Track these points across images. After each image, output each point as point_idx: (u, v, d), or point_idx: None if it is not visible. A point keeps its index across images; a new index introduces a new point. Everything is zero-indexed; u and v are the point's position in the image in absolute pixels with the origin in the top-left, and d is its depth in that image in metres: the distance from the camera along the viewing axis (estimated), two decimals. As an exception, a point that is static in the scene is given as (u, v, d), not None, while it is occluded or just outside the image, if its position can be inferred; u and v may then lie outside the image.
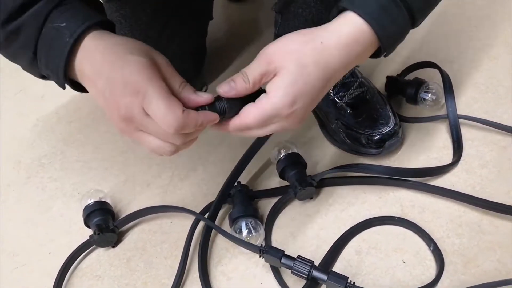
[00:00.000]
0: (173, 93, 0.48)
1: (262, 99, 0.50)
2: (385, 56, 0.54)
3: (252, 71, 0.50)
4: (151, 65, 0.47)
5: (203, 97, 0.49)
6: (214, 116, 0.49)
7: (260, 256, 0.61)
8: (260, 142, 0.71)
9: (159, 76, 0.47)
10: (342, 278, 0.58)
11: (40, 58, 0.49)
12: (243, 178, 0.73)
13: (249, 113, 0.50)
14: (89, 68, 0.48)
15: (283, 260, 0.60)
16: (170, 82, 0.49)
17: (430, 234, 0.65)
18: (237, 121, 0.51)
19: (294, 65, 0.49)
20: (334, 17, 0.52)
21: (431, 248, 0.64)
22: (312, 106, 0.52)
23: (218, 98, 0.50)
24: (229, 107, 0.50)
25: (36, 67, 0.51)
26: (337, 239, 0.66)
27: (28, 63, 0.51)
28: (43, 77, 0.53)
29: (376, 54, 0.54)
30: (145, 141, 0.50)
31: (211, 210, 0.69)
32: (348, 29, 0.50)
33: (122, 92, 0.46)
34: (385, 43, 0.51)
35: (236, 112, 0.51)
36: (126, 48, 0.48)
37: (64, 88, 0.52)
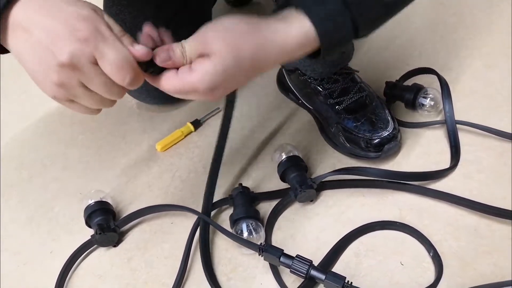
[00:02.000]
0: None
1: (185, 73, 0.49)
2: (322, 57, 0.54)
3: (191, 49, 0.49)
4: (96, 13, 0.47)
5: (140, 52, 0.47)
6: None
7: (259, 255, 0.62)
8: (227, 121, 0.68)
9: (105, 23, 0.47)
10: (340, 278, 0.59)
11: None
12: (244, 180, 0.74)
13: (169, 80, 0.49)
14: (24, 17, 0.45)
15: (282, 259, 0.61)
16: (112, 26, 0.48)
17: (428, 237, 0.66)
18: (162, 83, 0.50)
19: (231, 57, 0.48)
20: (280, 7, 0.51)
21: (431, 254, 0.65)
22: (232, 90, 0.53)
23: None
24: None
25: None
26: (338, 242, 0.67)
27: None
28: None
29: (312, 55, 0.54)
30: (82, 96, 0.48)
31: (203, 205, 0.70)
32: (296, 32, 0.49)
33: (68, 40, 0.44)
34: (325, 49, 0.51)
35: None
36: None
37: None
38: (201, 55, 0.49)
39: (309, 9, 0.49)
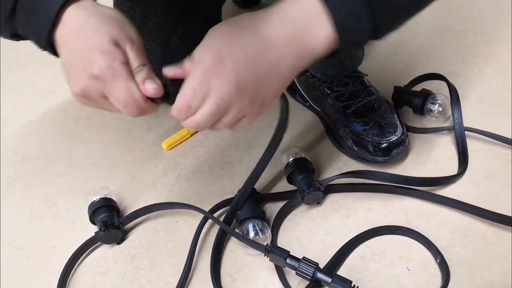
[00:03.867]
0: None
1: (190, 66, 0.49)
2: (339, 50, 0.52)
3: (197, 52, 0.50)
4: (116, 48, 0.48)
5: (149, 90, 0.49)
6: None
7: (265, 255, 0.61)
8: (274, 145, 0.68)
9: (122, 58, 0.48)
10: (346, 282, 0.59)
11: (20, 14, 0.49)
12: (251, 181, 0.73)
13: (183, 86, 0.49)
14: (60, 36, 0.49)
15: (288, 261, 0.60)
16: (131, 60, 0.49)
17: (435, 243, 0.66)
18: (176, 100, 0.50)
19: (228, 26, 0.49)
20: None
21: (438, 261, 0.64)
22: (249, 69, 0.48)
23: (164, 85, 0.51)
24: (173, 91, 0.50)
25: (11, 24, 0.50)
26: (344, 245, 0.66)
27: (4, 19, 0.50)
28: (14, 36, 0.52)
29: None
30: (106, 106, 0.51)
31: (227, 215, 0.69)
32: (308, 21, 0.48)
33: (81, 74, 0.48)
34: (336, 21, 0.48)
35: None
36: (95, 21, 0.48)
37: (44, 49, 0.51)
38: None
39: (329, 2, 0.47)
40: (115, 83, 0.47)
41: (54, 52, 0.51)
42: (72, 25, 0.48)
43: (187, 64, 0.50)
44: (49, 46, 0.50)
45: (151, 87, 0.49)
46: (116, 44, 0.48)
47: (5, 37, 0.53)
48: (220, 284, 0.64)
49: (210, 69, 0.47)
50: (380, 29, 0.50)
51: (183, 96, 0.49)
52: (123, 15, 0.51)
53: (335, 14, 0.47)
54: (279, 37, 0.49)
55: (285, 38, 0.49)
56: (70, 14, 0.48)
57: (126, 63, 0.48)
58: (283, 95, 0.61)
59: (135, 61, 0.49)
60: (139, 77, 0.49)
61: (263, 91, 0.50)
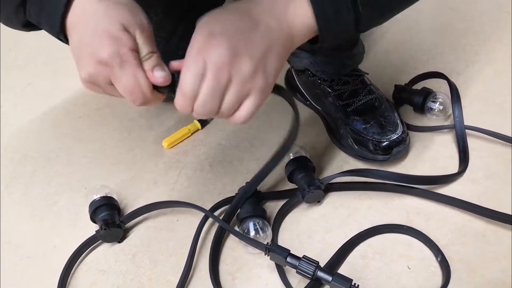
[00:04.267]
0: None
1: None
2: (321, 43, 0.53)
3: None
4: (126, 33, 0.47)
5: (157, 78, 0.48)
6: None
7: (265, 254, 0.61)
8: (285, 148, 0.68)
9: (131, 45, 0.47)
10: (347, 280, 0.59)
11: (32, 1, 0.48)
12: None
13: (181, 72, 0.49)
14: (70, 21, 0.48)
15: (288, 259, 0.60)
16: (140, 47, 0.48)
17: (435, 241, 0.66)
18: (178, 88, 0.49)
19: (216, 11, 0.49)
20: None
21: (439, 259, 0.64)
22: (240, 37, 0.48)
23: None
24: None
25: (22, 13, 0.50)
26: (344, 243, 0.66)
27: (14, 8, 0.50)
28: (26, 26, 0.52)
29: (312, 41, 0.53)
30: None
31: (226, 213, 0.69)
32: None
33: (89, 59, 0.47)
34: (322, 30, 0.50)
35: None
36: (106, 6, 0.47)
37: (58, 36, 0.51)
38: None
39: None
40: (122, 70, 0.46)
41: (67, 40, 0.51)
42: (82, 10, 0.47)
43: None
44: (62, 33, 0.50)
45: (160, 75, 0.48)
46: (126, 30, 0.47)
47: (16, 27, 0.53)
48: (219, 282, 0.64)
49: (201, 46, 0.47)
50: (361, 21, 0.51)
51: (183, 81, 0.48)
52: (135, 2, 0.50)
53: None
54: (263, 11, 0.50)
55: (267, 11, 0.50)
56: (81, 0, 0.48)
57: (135, 49, 0.47)
58: (294, 107, 0.61)
59: (144, 48, 0.48)
60: (148, 64, 0.48)
61: (261, 61, 0.49)
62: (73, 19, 0.48)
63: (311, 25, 0.50)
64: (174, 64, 0.50)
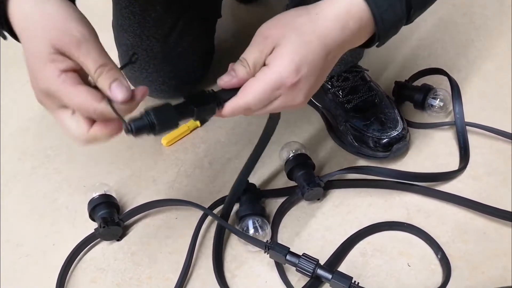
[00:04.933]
0: (89, 78, 0.44)
1: (263, 71, 0.47)
2: (377, 46, 0.53)
3: (249, 53, 0.48)
4: (55, 56, 0.42)
5: (118, 96, 0.43)
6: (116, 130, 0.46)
7: (265, 252, 0.61)
8: (267, 136, 0.65)
9: (63, 69, 0.42)
10: (347, 278, 0.58)
11: None
12: (251, 177, 0.73)
13: (250, 88, 0.47)
14: (15, 23, 0.44)
15: (288, 257, 0.60)
16: (83, 64, 0.43)
17: (436, 239, 0.65)
18: (234, 102, 0.48)
19: (295, 34, 0.47)
20: None
21: (439, 256, 0.64)
22: (316, 80, 0.49)
23: (147, 112, 0.45)
24: (158, 121, 0.44)
25: None
26: (344, 241, 0.66)
27: None
28: None
29: (368, 44, 0.53)
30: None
31: (223, 209, 0.69)
32: (343, 2, 0.48)
33: (35, 88, 0.44)
34: (380, 27, 0.49)
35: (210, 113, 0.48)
36: (34, 23, 0.43)
37: (4, 37, 0.46)
38: (265, 52, 0.48)
39: None
40: (66, 96, 0.42)
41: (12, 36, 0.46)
42: (18, 17, 0.43)
43: (239, 70, 0.48)
44: (6, 28, 0.45)
45: (118, 91, 0.42)
46: (58, 51, 0.42)
47: None
48: (224, 280, 0.64)
49: (285, 80, 0.47)
50: (412, 15, 0.51)
51: (251, 100, 0.47)
52: (70, 8, 0.44)
53: (377, 15, 0.48)
54: (337, 44, 0.49)
55: (341, 44, 0.49)
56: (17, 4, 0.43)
57: (75, 69, 0.43)
58: None
59: (89, 63, 0.42)
60: (102, 82, 0.43)
61: (314, 89, 0.51)
62: (14, 23, 0.44)
63: (367, 26, 0.49)
64: (224, 83, 0.49)
